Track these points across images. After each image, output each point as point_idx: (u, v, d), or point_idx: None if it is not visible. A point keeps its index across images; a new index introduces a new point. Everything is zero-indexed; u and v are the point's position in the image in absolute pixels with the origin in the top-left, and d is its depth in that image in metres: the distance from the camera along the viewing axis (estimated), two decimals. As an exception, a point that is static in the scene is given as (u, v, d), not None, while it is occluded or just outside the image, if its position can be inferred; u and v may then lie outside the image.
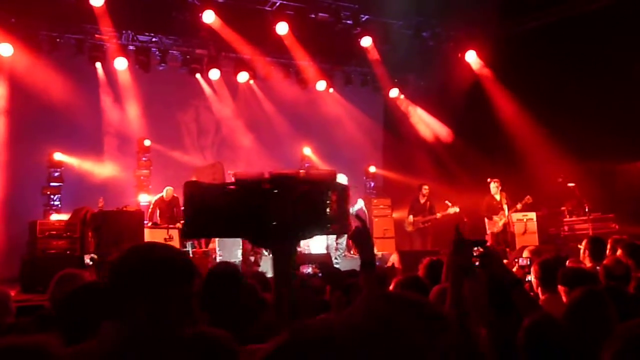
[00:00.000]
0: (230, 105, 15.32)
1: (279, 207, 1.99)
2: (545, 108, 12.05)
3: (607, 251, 5.69)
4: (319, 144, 15.70)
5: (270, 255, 2.22)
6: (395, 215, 14.06)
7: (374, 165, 16.35)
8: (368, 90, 16.16)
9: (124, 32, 13.17)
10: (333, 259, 10.52)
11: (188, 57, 13.97)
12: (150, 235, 10.47)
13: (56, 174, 12.97)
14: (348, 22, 13.43)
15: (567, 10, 12.33)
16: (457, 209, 12.16)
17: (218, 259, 10.09)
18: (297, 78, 15.14)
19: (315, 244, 11.46)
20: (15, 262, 9.77)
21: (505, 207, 11.55)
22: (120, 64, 13.18)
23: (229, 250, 10.01)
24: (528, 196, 11.35)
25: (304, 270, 5.13)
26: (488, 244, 2.77)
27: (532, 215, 11.93)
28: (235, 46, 13.52)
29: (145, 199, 13.32)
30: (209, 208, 2.11)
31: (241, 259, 10.03)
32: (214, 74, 14.26)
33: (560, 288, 3.96)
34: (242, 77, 14.57)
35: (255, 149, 15.13)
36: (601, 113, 11.26)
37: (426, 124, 15.69)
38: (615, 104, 11.24)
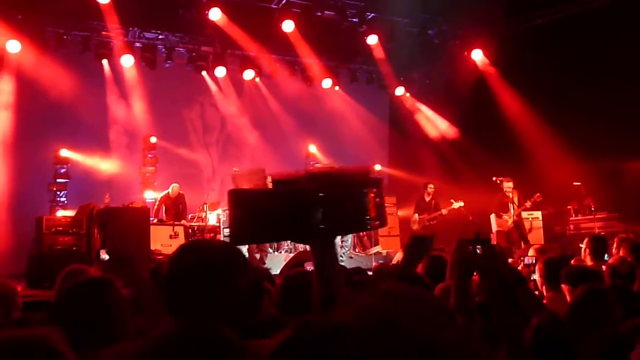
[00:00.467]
0: (236, 102, 15.33)
1: (323, 206, 2.00)
2: (551, 106, 12.02)
3: (614, 250, 5.68)
4: (324, 142, 15.70)
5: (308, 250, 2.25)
6: (401, 213, 14.06)
7: (379, 164, 16.34)
8: (374, 88, 16.14)
9: (130, 29, 13.20)
10: (338, 256, 10.52)
11: (194, 54, 14.00)
12: (155, 232, 10.50)
13: (62, 171, 13.01)
14: (354, 20, 13.42)
15: (573, 7, 12.30)
16: (461, 203, 12.16)
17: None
18: (302, 76, 15.14)
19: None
20: (21, 258, 9.82)
21: (513, 205, 11.53)
22: (127, 61, 13.20)
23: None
24: (538, 194, 11.31)
25: (307, 268, 5.12)
26: (493, 242, 2.77)
27: (538, 214, 11.92)
28: (241, 44, 13.54)
29: (150, 195, 13.35)
30: (255, 213, 2.13)
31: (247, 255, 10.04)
32: (220, 71, 14.26)
33: (564, 287, 3.96)
34: (248, 74, 14.58)
35: (261, 146, 15.15)
36: (608, 110, 11.22)
37: (432, 122, 15.68)
38: (622, 101, 11.21)
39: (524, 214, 11.78)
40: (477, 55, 14.31)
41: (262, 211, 2.11)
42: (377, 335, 0.83)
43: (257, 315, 1.92)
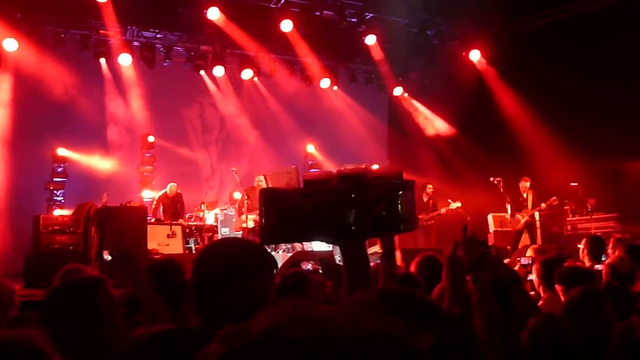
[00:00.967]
0: (235, 102, 15.32)
1: (355, 207, 2.00)
2: (549, 107, 12.03)
3: (609, 250, 5.69)
4: (322, 142, 15.71)
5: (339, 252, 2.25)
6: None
7: (377, 164, 16.31)
8: (372, 88, 16.15)
9: (128, 27, 13.19)
10: (336, 256, 10.51)
11: (192, 53, 13.99)
12: (153, 231, 10.49)
13: (60, 169, 13.00)
14: (353, 20, 13.42)
15: (572, 8, 12.30)
16: (459, 204, 12.18)
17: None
18: (301, 75, 15.14)
19: (318, 242, 11.45)
20: (19, 257, 9.82)
21: (520, 205, 11.59)
22: (125, 59, 13.19)
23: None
24: (554, 197, 11.35)
25: (304, 267, 5.12)
26: (489, 243, 2.78)
27: (535, 214, 11.93)
28: (240, 43, 13.53)
29: (148, 195, 13.34)
30: (288, 213, 2.13)
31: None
32: (219, 70, 14.25)
33: (558, 287, 3.96)
34: (247, 74, 14.58)
35: (259, 145, 15.16)
36: (606, 111, 11.24)
37: (430, 122, 15.68)
38: (620, 102, 11.23)
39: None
40: (476, 56, 14.32)
41: (294, 211, 2.10)
42: (306, 338, 0.83)
43: None
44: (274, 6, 12.86)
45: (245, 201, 11.21)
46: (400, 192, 2.12)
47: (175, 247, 10.89)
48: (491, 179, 11.61)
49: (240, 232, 11.16)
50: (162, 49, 13.69)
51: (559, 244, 10.78)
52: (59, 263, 4.91)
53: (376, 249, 12.75)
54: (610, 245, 5.70)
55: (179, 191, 12.40)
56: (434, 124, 15.56)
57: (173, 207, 12.21)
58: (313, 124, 15.52)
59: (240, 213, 11.63)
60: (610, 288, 3.88)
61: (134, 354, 1.76)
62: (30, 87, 11.90)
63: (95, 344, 2.17)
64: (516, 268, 5.41)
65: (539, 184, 11.77)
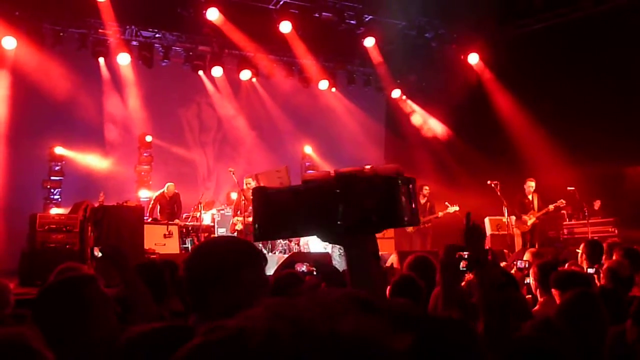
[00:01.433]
0: (233, 102, 15.32)
1: (343, 205, 2.01)
2: (547, 110, 12.09)
3: (603, 255, 5.70)
4: (320, 143, 15.72)
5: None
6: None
7: (373, 165, 16.33)
8: (370, 90, 16.17)
9: (127, 27, 13.18)
10: (333, 258, 10.51)
11: (191, 53, 13.99)
12: (149, 231, 10.47)
13: (57, 168, 12.98)
14: (352, 22, 13.44)
15: (570, 12, 12.35)
16: (456, 208, 12.18)
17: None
18: (299, 77, 15.14)
19: (315, 243, 11.46)
20: (14, 255, 9.78)
21: (531, 206, 11.62)
22: (123, 59, 13.18)
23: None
24: (562, 200, 11.35)
25: (299, 268, 5.13)
26: (486, 246, 2.77)
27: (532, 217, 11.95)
28: (239, 44, 13.55)
29: (145, 194, 13.33)
30: (279, 210, 2.15)
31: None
32: (217, 71, 14.25)
33: (554, 291, 3.97)
34: (245, 74, 14.59)
35: (257, 146, 15.15)
36: (603, 116, 11.29)
37: (428, 124, 15.69)
38: (617, 107, 11.27)
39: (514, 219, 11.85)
40: (474, 59, 14.35)
41: (284, 208, 2.12)
42: (281, 335, 0.83)
43: None
44: (273, 7, 12.87)
45: (243, 202, 11.21)
46: (393, 187, 2.12)
47: (171, 247, 10.88)
48: (488, 182, 11.62)
49: (236, 233, 11.17)
50: (160, 48, 13.69)
51: (556, 248, 10.81)
52: (54, 261, 4.91)
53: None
54: (605, 250, 5.71)
55: (176, 191, 12.39)
56: (432, 127, 15.58)
57: (170, 207, 12.20)
58: (311, 126, 15.53)
59: (235, 214, 11.66)
60: (605, 292, 3.89)
61: (127, 351, 1.76)
62: (28, 85, 11.87)
63: (85, 341, 2.16)
64: (513, 271, 5.42)
65: (537, 187, 11.78)
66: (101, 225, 9.00)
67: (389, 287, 3.91)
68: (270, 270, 8.80)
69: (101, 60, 13.27)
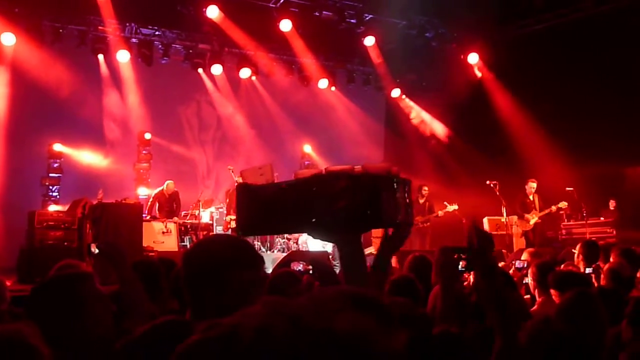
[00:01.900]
0: (232, 100, 15.31)
1: (318, 203, 2.00)
2: (547, 110, 12.09)
3: (599, 256, 5.69)
4: (319, 142, 15.71)
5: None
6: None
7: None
8: (370, 90, 16.17)
9: (127, 24, 13.16)
10: (331, 257, 10.51)
11: (191, 51, 13.97)
12: (148, 228, 10.47)
13: (55, 165, 12.96)
14: (352, 21, 13.43)
15: (570, 13, 12.35)
16: (455, 207, 12.20)
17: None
18: (299, 75, 15.14)
19: (314, 241, 11.46)
20: (13, 252, 9.77)
21: (533, 206, 11.63)
22: (123, 56, 13.16)
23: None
24: (564, 202, 11.37)
25: (295, 267, 5.12)
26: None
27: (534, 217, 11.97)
28: (239, 42, 13.54)
29: (144, 192, 13.30)
30: (262, 207, 2.15)
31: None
32: (217, 69, 14.25)
33: (552, 291, 3.97)
34: (245, 73, 14.58)
35: (256, 145, 15.14)
36: (602, 117, 11.30)
37: (427, 124, 15.70)
38: (617, 108, 11.28)
39: (515, 218, 11.85)
40: (474, 59, 14.35)
41: (267, 205, 2.12)
42: (277, 332, 0.83)
43: None
44: (273, 5, 12.86)
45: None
46: (375, 186, 2.11)
47: (170, 244, 10.87)
48: (487, 182, 11.62)
49: (230, 231, 11.17)
50: (160, 46, 13.67)
51: (554, 248, 10.81)
52: (53, 258, 4.90)
53: (371, 250, 12.79)
54: (601, 252, 5.70)
55: (175, 189, 12.38)
56: (431, 126, 15.58)
57: (169, 205, 12.18)
58: (310, 124, 15.52)
59: (229, 212, 11.66)
60: (604, 292, 3.88)
61: (126, 350, 1.76)
62: (27, 82, 11.85)
63: (79, 339, 2.16)
64: (511, 271, 5.42)
65: (536, 188, 11.78)
66: (100, 222, 8.99)
67: (387, 287, 3.90)
68: (268, 269, 8.80)
69: (101, 57, 13.24)
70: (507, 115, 13.43)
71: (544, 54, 12.56)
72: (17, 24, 11.75)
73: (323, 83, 15.26)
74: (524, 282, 4.89)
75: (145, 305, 2.87)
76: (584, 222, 11.26)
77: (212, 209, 12.56)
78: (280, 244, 11.60)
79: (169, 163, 14.18)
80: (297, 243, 11.53)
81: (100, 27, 12.83)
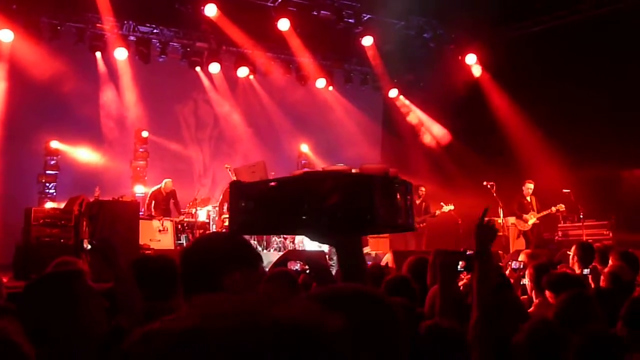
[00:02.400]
0: (229, 99, 15.30)
1: (307, 202, 1.99)
2: (544, 112, 12.11)
3: (595, 259, 5.69)
4: (316, 142, 15.70)
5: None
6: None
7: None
8: (367, 90, 16.18)
9: (125, 22, 13.15)
10: (328, 257, 10.51)
11: (188, 49, 13.96)
12: (144, 226, 10.46)
13: (52, 162, 12.92)
14: (350, 20, 13.44)
15: (569, 15, 12.38)
16: (452, 207, 12.22)
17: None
18: (297, 75, 15.13)
19: (309, 241, 11.45)
20: (9, 249, 9.75)
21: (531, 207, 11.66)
22: (121, 54, 13.14)
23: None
24: (561, 204, 11.39)
25: (292, 267, 5.12)
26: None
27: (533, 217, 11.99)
28: (236, 40, 13.53)
29: (141, 190, 13.29)
30: (252, 205, 2.14)
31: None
32: (214, 67, 14.24)
33: (547, 293, 3.98)
34: (242, 71, 14.57)
35: (253, 143, 15.13)
36: (600, 118, 11.34)
37: (424, 125, 15.71)
38: (615, 110, 11.32)
39: (513, 219, 11.86)
40: (472, 60, 14.36)
41: (259, 203, 2.11)
42: (209, 331, 0.83)
43: None
44: (272, 4, 12.87)
45: (225, 205, 11.24)
46: (366, 187, 2.08)
47: (166, 242, 10.86)
48: (484, 182, 11.63)
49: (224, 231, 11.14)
50: (158, 44, 13.66)
51: (550, 250, 10.83)
52: (49, 255, 4.90)
53: (367, 250, 12.80)
54: (597, 254, 5.70)
55: (173, 188, 12.36)
56: (428, 127, 15.59)
57: (165, 204, 12.17)
58: (307, 124, 15.52)
59: (221, 213, 11.60)
60: (602, 294, 3.90)
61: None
62: (24, 78, 11.83)
63: (71, 335, 2.16)
64: (507, 272, 5.43)
65: (533, 189, 11.80)
66: (96, 220, 8.98)
67: (382, 287, 3.91)
68: (265, 267, 8.79)
69: (98, 54, 13.23)
70: (505, 116, 13.45)
71: (542, 55, 12.58)
72: (15, 21, 11.71)
73: (320, 82, 15.26)
74: (521, 283, 4.90)
75: (137, 302, 2.86)
76: (581, 224, 11.27)
77: (209, 207, 12.55)
78: (277, 243, 11.60)
79: (165, 161, 14.16)
80: (293, 242, 11.53)
81: (98, 25, 12.81)
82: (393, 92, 15.97)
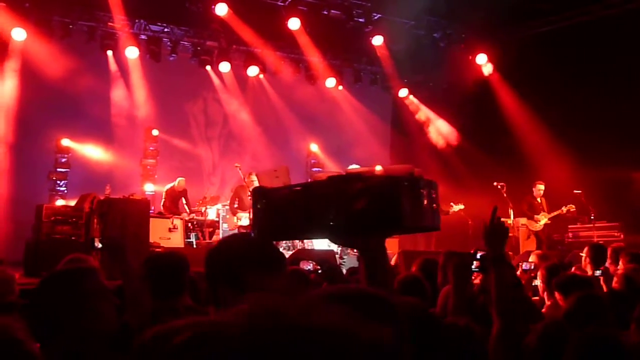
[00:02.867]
0: (239, 98, 15.33)
1: (335, 206, 1.99)
2: (555, 113, 12.05)
3: (607, 259, 5.66)
4: (326, 141, 15.70)
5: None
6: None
7: (380, 165, 16.28)
8: (377, 89, 16.16)
9: (136, 21, 13.21)
10: (338, 256, 10.50)
11: (199, 48, 13.99)
12: (155, 224, 10.49)
13: (63, 160, 13.01)
14: (360, 20, 13.43)
15: (580, 15, 12.31)
16: (461, 206, 12.19)
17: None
18: (306, 74, 15.13)
19: (318, 240, 11.42)
20: (20, 246, 9.80)
21: (542, 208, 11.63)
22: (132, 52, 13.20)
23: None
24: (571, 205, 11.34)
25: (304, 266, 5.13)
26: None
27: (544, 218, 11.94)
28: (246, 40, 13.55)
29: (150, 188, 13.34)
30: (276, 211, 2.13)
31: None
32: (224, 66, 14.26)
33: (557, 295, 3.96)
34: (252, 70, 14.59)
35: (262, 142, 15.15)
36: (611, 119, 11.27)
37: (434, 124, 15.66)
38: (626, 111, 11.24)
39: (523, 220, 11.81)
40: (482, 60, 14.31)
41: (281, 209, 2.10)
42: (260, 328, 0.84)
43: None
44: (282, 4, 12.87)
45: (248, 197, 11.17)
46: (394, 188, 2.07)
47: (176, 240, 10.89)
48: (495, 183, 11.58)
49: (236, 230, 11.11)
50: (168, 43, 13.72)
51: (560, 251, 10.78)
52: (59, 253, 4.91)
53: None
54: (609, 255, 5.67)
55: (185, 187, 12.36)
56: (438, 127, 15.54)
57: (175, 202, 12.19)
58: (317, 123, 15.52)
59: (233, 212, 11.52)
60: (614, 295, 3.87)
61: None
62: (36, 77, 11.90)
63: (82, 332, 2.17)
64: (518, 273, 5.41)
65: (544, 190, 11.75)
66: (107, 217, 9.00)
67: (394, 285, 3.90)
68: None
69: (109, 53, 13.29)
70: (515, 116, 13.39)
71: (552, 56, 12.52)
72: (28, 19, 11.80)
73: (330, 82, 15.26)
74: (532, 284, 4.88)
75: (145, 300, 2.87)
76: (592, 225, 11.21)
77: (219, 205, 12.56)
78: (286, 242, 11.58)
79: (175, 159, 14.21)
80: (302, 241, 11.51)
81: (109, 23, 12.87)
82: (403, 92, 15.95)
